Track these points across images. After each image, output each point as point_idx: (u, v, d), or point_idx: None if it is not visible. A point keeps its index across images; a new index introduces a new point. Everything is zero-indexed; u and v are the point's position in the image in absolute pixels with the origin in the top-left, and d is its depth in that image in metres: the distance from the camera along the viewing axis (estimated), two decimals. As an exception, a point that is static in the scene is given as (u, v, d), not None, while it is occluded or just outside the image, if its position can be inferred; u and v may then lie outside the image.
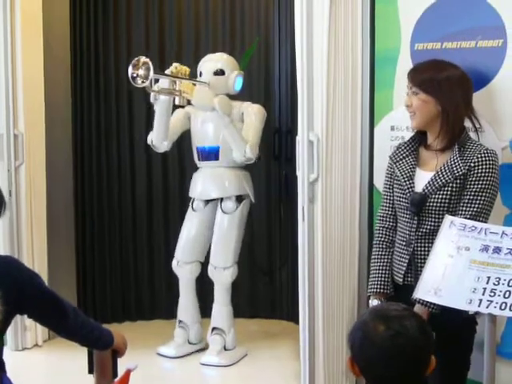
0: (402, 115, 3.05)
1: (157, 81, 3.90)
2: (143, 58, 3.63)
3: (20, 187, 4.34)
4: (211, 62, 4.21)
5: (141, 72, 3.63)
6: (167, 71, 3.93)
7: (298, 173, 3.39)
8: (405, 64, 3.13)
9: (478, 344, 2.65)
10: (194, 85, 4.00)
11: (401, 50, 3.20)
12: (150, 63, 3.59)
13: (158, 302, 5.06)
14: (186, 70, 3.95)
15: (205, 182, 4.25)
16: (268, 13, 4.95)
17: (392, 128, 3.24)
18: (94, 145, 4.93)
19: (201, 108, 4.12)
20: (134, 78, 3.65)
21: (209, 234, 4.29)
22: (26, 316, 2.28)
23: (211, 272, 4.26)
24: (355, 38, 3.31)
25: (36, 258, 4.42)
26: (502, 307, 2.24)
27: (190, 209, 4.35)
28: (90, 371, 2.43)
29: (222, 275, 4.23)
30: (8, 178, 4.29)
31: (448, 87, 2.70)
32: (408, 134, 3.01)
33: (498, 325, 2.37)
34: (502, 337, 2.92)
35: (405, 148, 2.83)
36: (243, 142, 4.06)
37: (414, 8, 3.15)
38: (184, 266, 4.33)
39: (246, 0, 4.96)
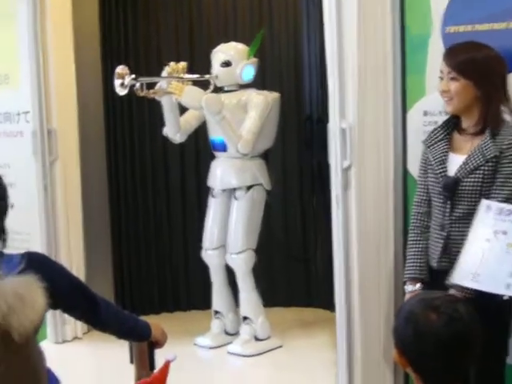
0: (435, 100, 3.02)
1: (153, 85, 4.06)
2: (120, 69, 3.83)
3: (55, 182, 4.39)
4: (220, 53, 4.25)
5: (127, 80, 3.83)
6: (164, 72, 4.04)
7: (331, 160, 3.37)
8: (436, 48, 3.09)
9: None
10: (187, 83, 4.01)
11: (432, 34, 3.16)
12: (127, 70, 3.82)
13: (194, 293, 5.09)
14: (182, 66, 4.02)
15: (221, 172, 4.29)
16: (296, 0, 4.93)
17: (425, 113, 3.21)
18: (127, 138, 4.97)
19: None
20: (121, 87, 3.84)
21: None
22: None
23: (228, 258, 4.31)
24: (385, 23, 3.26)
25: (73, 252, 4.47)
26: (541, 291, 2.23)
27: (210, 196, 4.40)
28: (132, 361, 2.46)
29: (236, 261, 4.26)
30: (43, 173, 4.34)
31: (487, 69, 2.66)
32: (441, 119, 2.98)
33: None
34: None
35: (438, 133, 2.81)
36: (236, 138, 4.07)
37: (445, -10, 3.11)
38: (210, 253, 4.37)
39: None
